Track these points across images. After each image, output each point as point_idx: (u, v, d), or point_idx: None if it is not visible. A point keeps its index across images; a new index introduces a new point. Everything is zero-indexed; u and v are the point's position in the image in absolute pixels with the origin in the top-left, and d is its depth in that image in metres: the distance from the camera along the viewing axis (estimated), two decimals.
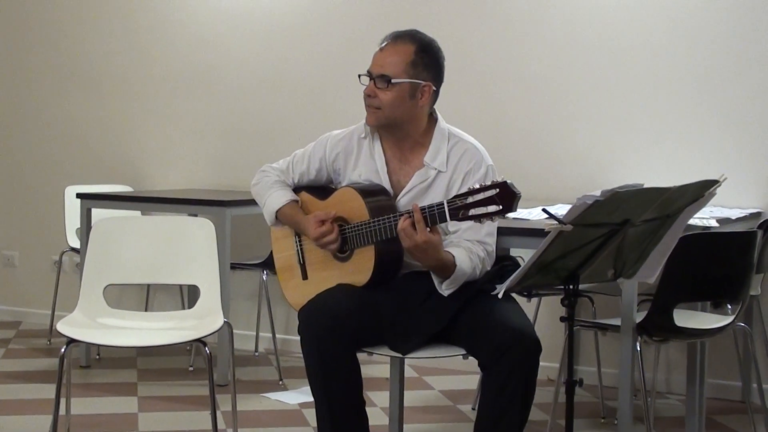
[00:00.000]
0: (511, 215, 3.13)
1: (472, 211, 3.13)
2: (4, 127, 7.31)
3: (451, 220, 3.21)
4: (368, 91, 3.55)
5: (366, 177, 3.64)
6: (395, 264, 3.55)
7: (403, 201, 3.57)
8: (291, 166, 3.81)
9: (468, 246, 3.45)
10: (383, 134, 3.65)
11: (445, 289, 3.42)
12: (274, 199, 3.76)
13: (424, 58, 3.53)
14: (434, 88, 3.57)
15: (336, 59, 6.25)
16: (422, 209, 3.25)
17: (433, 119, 3.64)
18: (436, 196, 3.50)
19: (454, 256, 3.38)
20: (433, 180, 3.56)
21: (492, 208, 3.10)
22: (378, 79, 3.52)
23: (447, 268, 3.38)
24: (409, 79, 3.50)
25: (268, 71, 6.49)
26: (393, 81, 3.49)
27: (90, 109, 7.03)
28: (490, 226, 3.49)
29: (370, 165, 3.65)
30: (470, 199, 3.14)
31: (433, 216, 3.24)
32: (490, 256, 3.52)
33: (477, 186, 3.15)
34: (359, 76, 3.58)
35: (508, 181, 3.10)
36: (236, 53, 6.58)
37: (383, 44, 3.57)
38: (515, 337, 3.29)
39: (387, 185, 3.61)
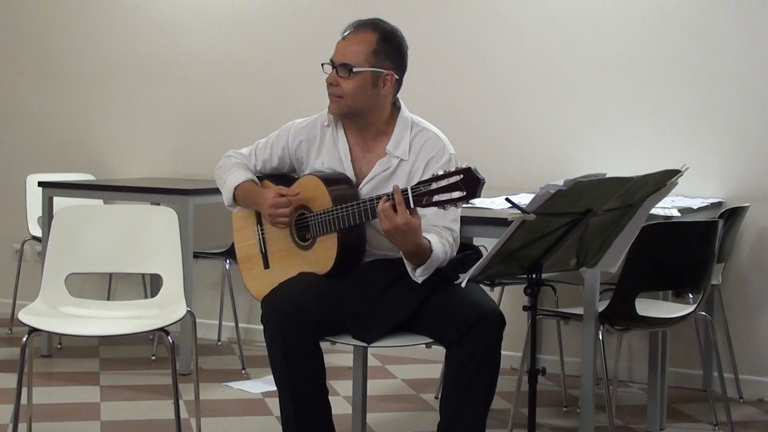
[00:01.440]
0: (475, 201, 3.13)
1: (436, 198, 3.12)
2: None
3: (415, 206, 3.18)
4: (330, 80, 3.53)
5: (329, 165, 3.63)
6: (357, 252, 3.54)
7: (365, 189, 3.56)
8: (254, 153, 3.80)
9: (438, 231, 3.44)
10: (346, 123, 3.64)
11: (419, 276, 3.39)
12: (233, 177, 3.74)
13: (386, 46, 3.51)
14: (397, 77, 3.55)
15: (298, 47, 6.22)
16: (387, 196, 3.23)
17: (396, 108, 3.63)
18: (398, 184, 3.44)
19: (430, 242, 3.36)
20: (395, 168, 3.55)
21: (456, 194, 3.09)
22: (340, 68, 3.50)
23: (423, 253, 3.34)
24: (371, 68, 3.48)
25: (230, 59, 6.46)
26: (355, 70, 3.48)
27: (52, 98, 6.98)
28: (455, 212, 3.49)
29: (333, 153, 3.64)
30: (434, 185, 3.12)
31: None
32: (456, 242, 3.52)
33: (441, 172, 3.13)
34: (322, 64, 3.56)
35: (472, 167, 3.08)
36: (197, 41, 6.54)
37: (345, 33, 3.56)
38: (479, 312, 3.30)
39: (350, 173, 3.60)
